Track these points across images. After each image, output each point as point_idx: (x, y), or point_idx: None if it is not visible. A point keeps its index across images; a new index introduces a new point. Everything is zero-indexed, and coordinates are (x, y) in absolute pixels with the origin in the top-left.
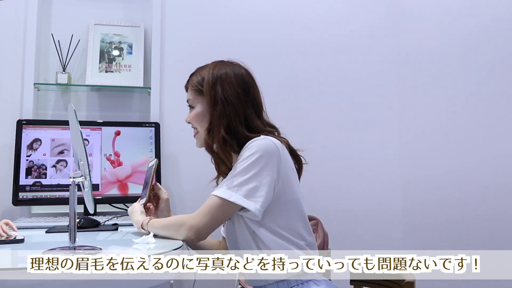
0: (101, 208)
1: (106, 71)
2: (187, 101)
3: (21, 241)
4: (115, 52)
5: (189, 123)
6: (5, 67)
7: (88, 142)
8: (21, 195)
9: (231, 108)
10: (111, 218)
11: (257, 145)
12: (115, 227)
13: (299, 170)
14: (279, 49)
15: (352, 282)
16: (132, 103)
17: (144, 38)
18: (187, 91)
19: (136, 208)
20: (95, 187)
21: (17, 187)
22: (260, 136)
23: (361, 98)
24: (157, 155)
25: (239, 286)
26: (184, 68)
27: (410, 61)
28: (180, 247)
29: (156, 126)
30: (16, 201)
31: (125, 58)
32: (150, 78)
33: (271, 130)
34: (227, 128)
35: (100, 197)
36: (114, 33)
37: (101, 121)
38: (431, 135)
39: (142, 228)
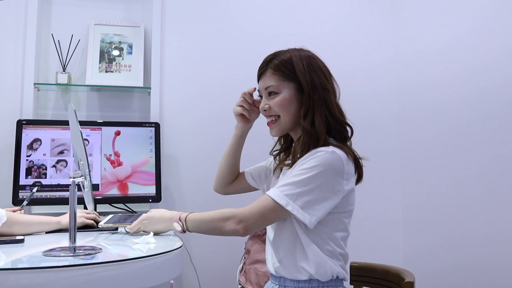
0: (101, 208)
1: (106, 71)
2: (266, 88)
3: (21, 241)
4: (115, 52)
5: (265, 110)
6: (5, 67)
7: (88, 142)
8: (21, 195)
9: (327, 94)
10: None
11: (324, 158)
12: (115, 227)
13: (359, 179)
14: (280, 48)
15: (352, 282)
16: (132, 103)
17: (144, 38)
18: (259, 79)
19: (162, 209)
20: (95, 187)
21: (17, 187)
22: (329, 146)
23: (360, 98)
24: (157, 155)
25: (239, 286)
26: (184, 68)
27: (409, 59)
28: (180, 247)
29: (156, 126)
30: (16, 201)
31: (125, 58)
32: (150, 78)
33: (347, 125)
34: (326, 113)
35: (100, 197)
36: (114, 33)
37: (101, 121)
38: (429, 134)
39: (180, 222)
